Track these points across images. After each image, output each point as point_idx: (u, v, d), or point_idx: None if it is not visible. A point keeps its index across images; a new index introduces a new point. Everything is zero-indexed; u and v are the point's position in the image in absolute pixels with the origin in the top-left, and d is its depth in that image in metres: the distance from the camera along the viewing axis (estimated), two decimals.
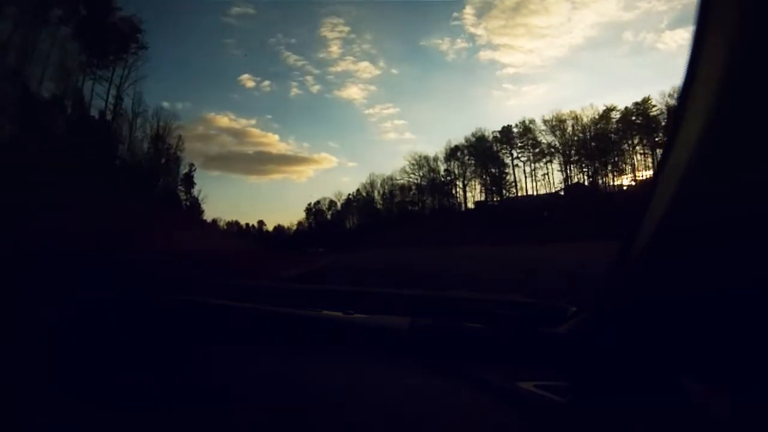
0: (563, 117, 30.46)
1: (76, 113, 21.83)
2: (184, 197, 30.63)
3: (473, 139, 34.51)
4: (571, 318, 0.71)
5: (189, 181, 30.86)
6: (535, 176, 32.56)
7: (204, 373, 0.69)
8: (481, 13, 46.51)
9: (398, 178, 44.88)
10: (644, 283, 0.48)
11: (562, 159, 30.81)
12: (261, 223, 55.03)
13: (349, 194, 53.19)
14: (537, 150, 32.05)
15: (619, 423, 0.51)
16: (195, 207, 33.00)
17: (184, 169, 29.31)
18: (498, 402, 0.57)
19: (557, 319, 0.77)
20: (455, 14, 49.23)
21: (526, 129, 32.56)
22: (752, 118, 0.33)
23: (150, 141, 25.98)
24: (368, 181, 50.49)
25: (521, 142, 32.87)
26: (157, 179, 26.32)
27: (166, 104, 45.19)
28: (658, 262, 0.44)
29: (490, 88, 51.62)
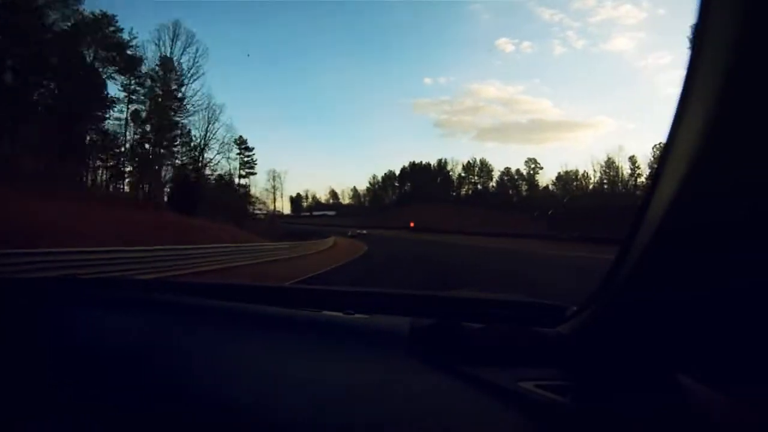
0: None
1: None
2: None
3: None
4: (571, 318, 0.71)
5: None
6: None
7: (203, 374, 0.69)
8: None
9: None
10: (645, 282, 0.47)
11: None
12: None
13: None
14: None
15: (619, 422, 0.51)
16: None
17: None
18: (498, 402, 0.57)
19: (557, 319, 0.78)
20: None
21: None
22: (753, 117, 0.32)
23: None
24: None
25: None
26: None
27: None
28: (659, 262, 0.44)
29: None
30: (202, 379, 0.67)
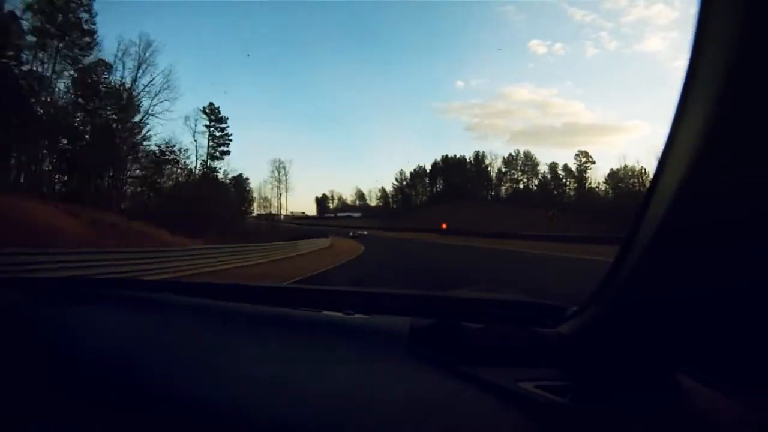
0: None
1: None
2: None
3: None
4: (571, 318, 0.71)
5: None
6: None
7: (203, 374, 0.70)
8: None
9: None
10: (645, 282, 0.47)
11: None
12: None
13: None
14: None
15: (619, 422, 0.51)
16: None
17: None
18: (498, 402, 0.57)
19: (557, 319, 0.77)
20: None
21: None
22: (753, 117, 0.32)
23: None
24: None
25: None
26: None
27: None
28: (659, 262, 0.44)
29: None
30: (202, 379, 0.67)
